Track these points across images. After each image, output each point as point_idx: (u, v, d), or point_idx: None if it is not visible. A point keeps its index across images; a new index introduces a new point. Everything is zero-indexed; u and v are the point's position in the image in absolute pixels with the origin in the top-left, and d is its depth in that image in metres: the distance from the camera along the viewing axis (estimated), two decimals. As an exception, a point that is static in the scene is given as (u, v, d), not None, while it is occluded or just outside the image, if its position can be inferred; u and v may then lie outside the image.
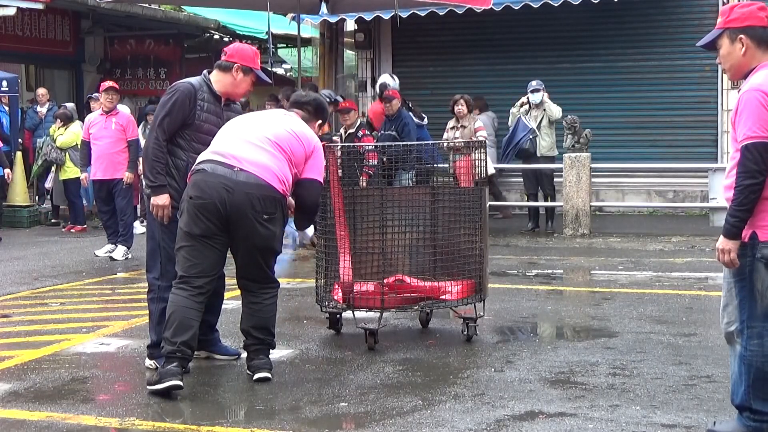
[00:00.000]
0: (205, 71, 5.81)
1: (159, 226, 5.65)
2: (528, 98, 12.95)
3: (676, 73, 15.21)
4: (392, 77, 13.95)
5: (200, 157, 5.38)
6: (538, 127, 12.85)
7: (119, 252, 11.00)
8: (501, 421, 4.67)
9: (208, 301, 5.41)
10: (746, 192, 4.01)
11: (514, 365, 5.78)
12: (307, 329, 6.94)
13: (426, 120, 13.49)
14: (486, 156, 6.85)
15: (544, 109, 12.83)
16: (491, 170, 11.68)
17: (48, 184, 14.98)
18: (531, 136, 12.79)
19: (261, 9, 12.86)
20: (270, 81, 5.99)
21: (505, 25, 15.46)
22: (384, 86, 13.52)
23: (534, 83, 12.91)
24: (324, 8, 13.14)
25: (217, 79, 5.73)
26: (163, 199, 5.51)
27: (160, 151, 5.54)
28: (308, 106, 5.74)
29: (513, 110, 13.13)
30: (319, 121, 5.78)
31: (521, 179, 13.65)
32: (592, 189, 12.84)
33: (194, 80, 5.73)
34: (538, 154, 12.90)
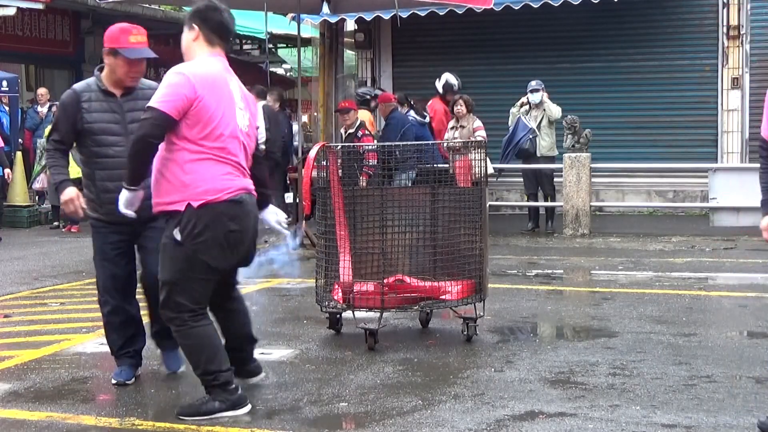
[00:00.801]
0: (97, 68, 5.43)
1: (93, 242, 5.46)
2: (528, 98, 12.96)
3: (676, 73, 15.22)
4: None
5: (232, 182, 4.72)
6: (538, 127, 12.85)
7: None
8: (501, 421, 4.66)
9: None
10: None
11: (514, 365, 5.78)
12: (307, 329, 6.94)
13: (428, 118, 13.50)
14: (486, 156, 6.85)
15: (544, 109, 12.84)
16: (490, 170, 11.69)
17: (36, 185, 14.88)
18: (531, 136, 12.79)
19: (260, 9, 12.87)
20: (154, 55, 5.42)
21: (505, 25, 15.47)
22: (449, 85, 13.49)
23: (533, 83, 12.92)
24: (326, 8, 13.15)
25: (105, 71, 5.34)
26: (67, 194, 5.20)
27: (51, 157, 5.35)
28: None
29: (513, 110, 13.14)
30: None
31: (521, 179, 13.65)
32: (592, 189, 12.84)
33: (81, 83, 5.43)
34: (538, 154, 12.90)
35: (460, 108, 12.38)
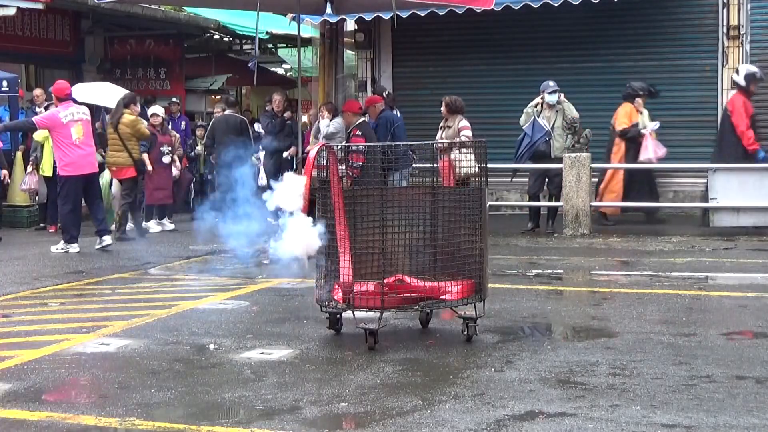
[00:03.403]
0: None
1: None
2: (543, 98, 12.90)
3: (676, 73, 15.21)
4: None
5: None
6: (552, 128, 12.83)
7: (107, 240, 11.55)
8: (501, 421, 4.67)
9: None
10: None
11: (514, 365, 5.78)
12: (307, 329, 6.94)
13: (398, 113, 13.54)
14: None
15: (558, 110, 12.80)
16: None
17: (24, 186, 14.64)
18: (547, 138, 12.78)
19: (254, 9, 12.81)
20: None
21: (505, 25, 15.47)
22: (751, 75, 12.98)
23: (551, 83, 12.86)
24: (329, 8, 13.14)
25: None
26: None
27: None
28: None
29: (527, 110, 13.05)
30: None
31: (525, 179, 13.62)
32: (592, 189, 12.84)
33: None
34: (552, 156, 12.88)
35: (442, 109, 12.37)
